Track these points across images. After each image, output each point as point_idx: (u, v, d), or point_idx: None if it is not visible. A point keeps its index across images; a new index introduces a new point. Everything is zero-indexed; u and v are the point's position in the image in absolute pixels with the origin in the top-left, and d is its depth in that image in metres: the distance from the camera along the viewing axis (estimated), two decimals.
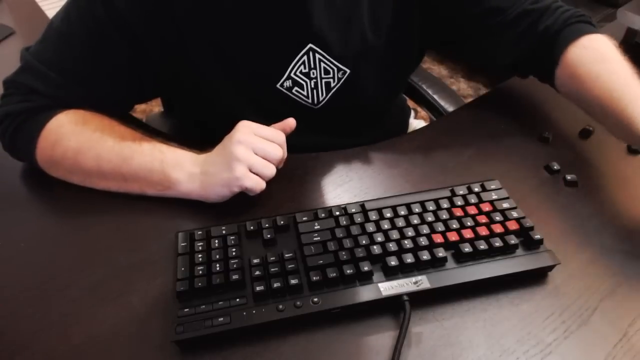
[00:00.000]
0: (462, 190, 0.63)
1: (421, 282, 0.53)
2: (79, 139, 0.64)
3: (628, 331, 0.52)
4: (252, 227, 0.58)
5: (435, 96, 1.02)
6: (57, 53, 0.66)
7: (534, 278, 0.57)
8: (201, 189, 0.62)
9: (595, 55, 0.71)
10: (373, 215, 0.59)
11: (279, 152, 0.62)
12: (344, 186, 0.69)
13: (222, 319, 0.50)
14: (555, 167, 0.70)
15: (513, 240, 0.56)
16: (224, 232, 0.58)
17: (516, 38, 0.74)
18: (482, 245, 0.56)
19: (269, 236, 0.57)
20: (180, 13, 0.65)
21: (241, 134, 0.60)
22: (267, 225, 0.59)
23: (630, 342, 0.51)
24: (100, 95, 0.68)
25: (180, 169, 0.62)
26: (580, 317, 0.53)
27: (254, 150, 0.60)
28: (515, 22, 0.74)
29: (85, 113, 0.67)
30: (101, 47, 0.66)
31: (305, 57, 0.72)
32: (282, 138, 0.63)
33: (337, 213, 0.60)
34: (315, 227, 0.58)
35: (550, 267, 0.56)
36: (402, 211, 0.60)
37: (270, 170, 0.61)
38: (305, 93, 0.75)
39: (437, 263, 0.55)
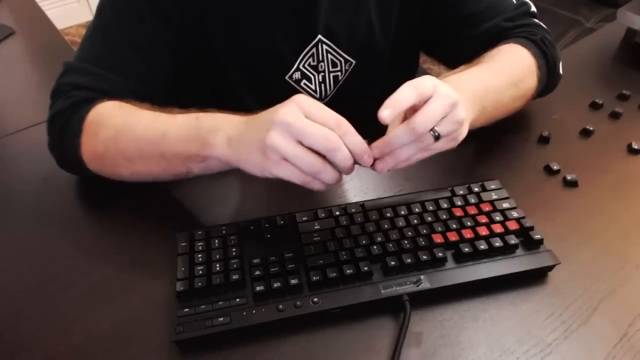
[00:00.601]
0: (462, 190, 0.63)
1: (421, 282, 0.53)
2: (115, 125, 0.60)
3: (628, 331, 0.52)
4: (252, 227, 0.58)
5: None
6: (97, 47, 0.66)
7: (534, 278, 0.56)
8: (236, 160, 0.52)
9: (495, 51, 0.72)
10: (373, 215, 0.59)
11: (332, 143, 0.48)
12: (344, 186, 0.69)
13: (222, 319, 0.50)
14: (555, 167, 0.70)
15: (513, 240, 0.56)
16: (224, 232, 0.58)
17: (477, 49, 0.74)
18: (482, 245, 0.56)
19: (269, 236, 0.57)
20: (205, 0, 0.66)
21: (285, 113, 0.48)
22: (267, 225, 0.59)
23: (630, 342, 0.51)
24: (144, 82, 0.66)
25: (218, 133, 0.53)
26: (580, 317, 0.53)
27: (297, 138, 0.47)
28: (481, 35, 0.75)
29: (118, 102, 0.64)
30: (140, 32, 0.65)
31: (314, 50, 0.73)
32: (344, 127, 0.49)
33: (337, 213, 0.60)
34: (315, 227, 0.58)
35: (550, 267, 0.56)
36: (402, 211, 0.60)
37: (314, 165, 0.48)
38: (313, 87, 0.76)
39: (437, 263, 0.55)
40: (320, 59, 0.74)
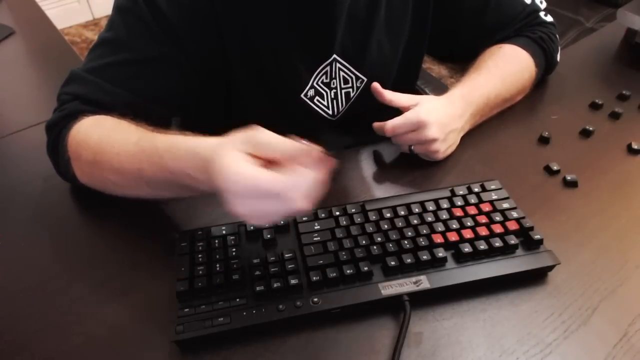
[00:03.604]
0: (462, 191, 0.63)
1: (421, 282, 0.53)
2: (92, 148, 0.59)
3: (628, 331, 0.52)
4: (252, 227, 0.58)
5: (432, 95, 1.02)
6: (100, 58, 0.66)
7: (534, 278, 0.56)
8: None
9: (494, 49, 0.81)
10: (373, 216, 0.59)
11: (284, 209, 0.45)
12: (344, 186, 0.69)
13: (222, 319, 0.50)
14: (555, 168, 0.70)
15: (513, 240, 0.56)
16: (224, 232, 0.58)
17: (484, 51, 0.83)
18: (482, 246, 0.56)
19: (269, 236, 0.57)
20: (222, 17, 0.66)
21: (234, 194, 0.45)
22: (267, 225, 0.59)
23: (630, 342, 0.51)
24: (146, 97, 0.66)
25: (185, 179, 0.51)
26: (580, 317, 0.53)
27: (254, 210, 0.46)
28: (494, 42, 0.82)
29: (100, 117, 0.62)
30: (146, 48, 0.65)
31: (328, 68, 0.74)
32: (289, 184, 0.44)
33: (337, 213, 0.60)
34: (315, 227, 0.58)
35: (550, 267, 0.56)
36: (402, 211, 0.60)
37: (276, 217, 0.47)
38: (325, 103, 0.78)
39: (437, 263, 0.55)
40: (333, 76, 0.76)
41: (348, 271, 0.53)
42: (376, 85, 0.71)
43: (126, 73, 0.65)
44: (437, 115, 0.67)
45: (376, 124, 0.71)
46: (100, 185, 0.63)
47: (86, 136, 0.61)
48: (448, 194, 0.63)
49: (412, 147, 0.69)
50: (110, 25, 0.66)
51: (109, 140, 0.59)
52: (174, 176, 0.52)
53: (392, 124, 0.68)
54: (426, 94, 1.03)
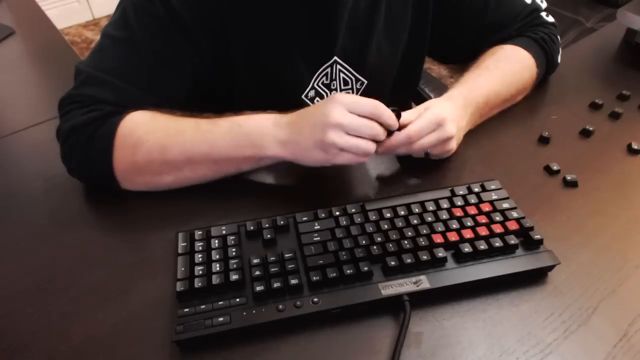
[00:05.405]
0: (462, 191, 0.63)
1: (421, 282, 0.53)
2: (158, 137, 0.62)
3: (628, 331, 0.52)
4: (252, 227, 0.58)
5: (432, 94, 1.02)
6: (120, 60, 0.65)
7: (534, 278, 0.56)
8: (294, 158, 0.61)
9: (495, 49, 0.80)
10: (373, 216, 0.59)
11: (374, 130, 0.59)
12: (344, 186, 0.69)
13: (222, 319, 0.50)
14: (555, 167, 0.70)
15: (513, 240, 0.56)
16: (224, 232, 0.58)
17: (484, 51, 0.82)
18: (482, 245, 0.56)
19: (269, 236, 0.57)
20: (228, 16, 0.66)
21: (336, 115, 0.57)
22: (267, 225, 0.59)
23: (630, 342, 0.51)
24: (166, 98, 0.66)
25: (267, 137, 0.60)
26: (580, 317, 0.53)
27: (349, 132, 0.57)
28: (495, 42, 0.82)
29: (148, 112, 0.64)
30: (165, 47, 0.65)
31: (328, 69, 0.75)
32: (380, 109, 0.58)
33: (337, 213, 0.60)
34: (315, 227, 0.58)
35: (550, 267, 0.56)
36: (402, 211, 0.60)
37: (366, 149, 0.59)
38: None
39: (437, 263, 0.55)
40: (333, 77, 0.76)
41: (348, 271, 0.53)
42: None
43: (145, 75, 0.65)
44: (449, 112, 0.66)
45: (390, 142, 0.63)
46: (150, 174, 0.63)
47: (149, 128, 0.62)
48: (448, 194, 0.63)
49: (429, 151, 0.66)
50: (124, 24, 0.65)
51: (177, 128, 0.63)
52: (249, 140, 0.60)
53: (414, 128, 0.63)
54: (426, 93, 1.03)
